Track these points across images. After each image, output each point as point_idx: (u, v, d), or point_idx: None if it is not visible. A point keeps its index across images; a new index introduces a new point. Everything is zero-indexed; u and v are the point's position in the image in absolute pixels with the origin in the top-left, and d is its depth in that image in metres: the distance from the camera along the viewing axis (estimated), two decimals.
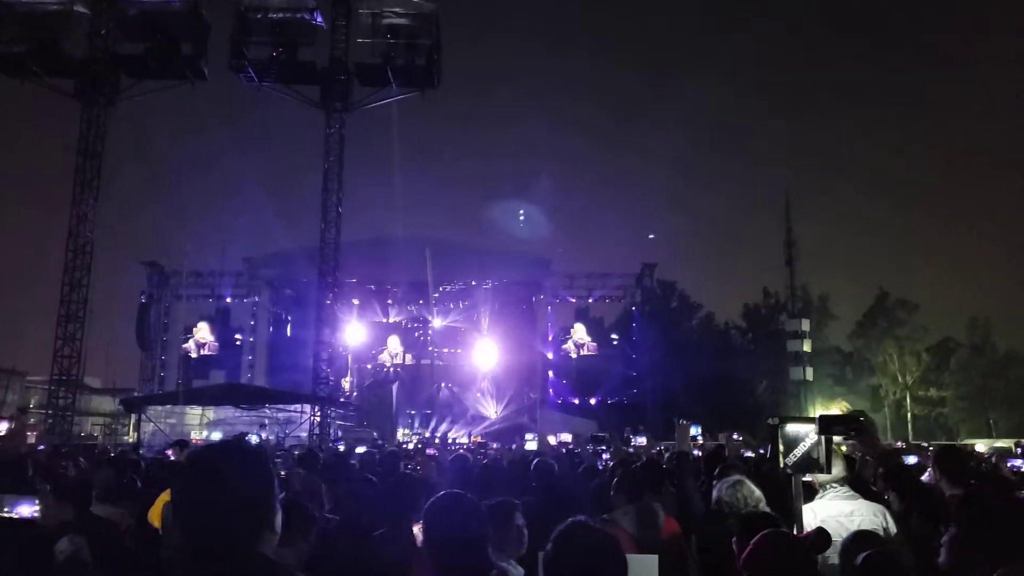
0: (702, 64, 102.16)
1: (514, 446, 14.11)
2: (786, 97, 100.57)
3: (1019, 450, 9.66)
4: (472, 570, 2.43)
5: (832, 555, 3.26)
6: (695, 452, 8.88)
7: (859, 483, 4.65)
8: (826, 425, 3.45)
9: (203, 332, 33.61)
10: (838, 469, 4.01)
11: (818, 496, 4.03)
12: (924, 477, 4.88)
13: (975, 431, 39.60)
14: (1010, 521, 2.55)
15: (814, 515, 3.76)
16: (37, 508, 3.75)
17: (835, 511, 3.80)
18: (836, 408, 37.68)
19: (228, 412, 24.55)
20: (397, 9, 25.07)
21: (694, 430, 6.31)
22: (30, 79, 24.19)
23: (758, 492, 4.15)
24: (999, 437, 30.67)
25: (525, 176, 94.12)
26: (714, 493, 4.38)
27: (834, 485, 4.00)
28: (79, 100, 24.08)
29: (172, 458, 8.96)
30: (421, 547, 2.54)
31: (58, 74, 24.34)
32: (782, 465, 3.74)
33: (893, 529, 3.96)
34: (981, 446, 16.74)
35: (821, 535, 2.48)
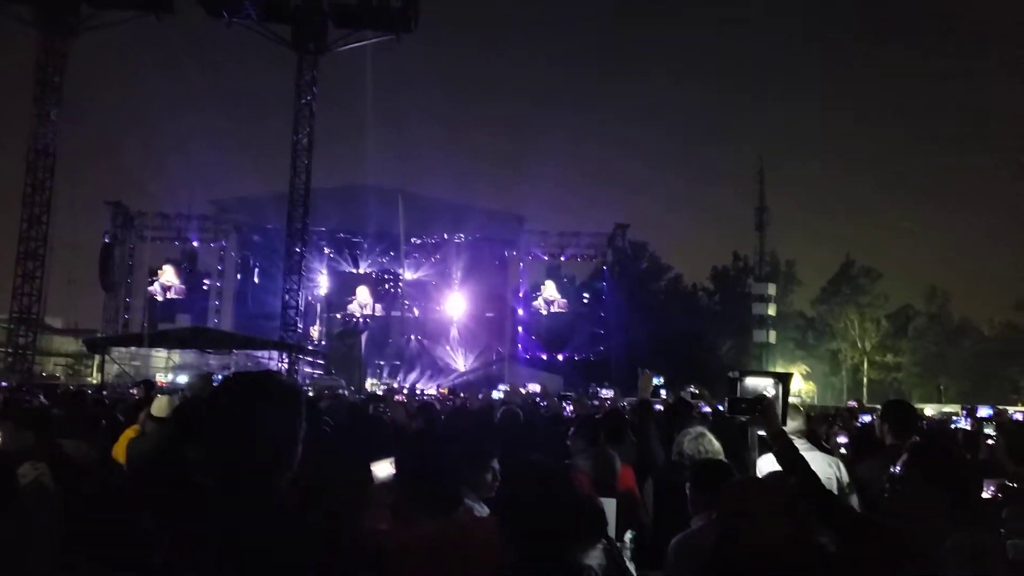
0: (681, 29, 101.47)
1: (480, 395, 14.23)
2: (761, 66, 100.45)
3: (964, 413, 10.06)
4: (442, 501, 2.44)
5: None
6: (658, 405, 9.04)
7: (813, 438, 4.83)
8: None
9: (168, 275, 33.15)
10: (796, 423, 4.17)
11: (773, 448, 4.17)
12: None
13: (925, 396, 40.83)
14: (951, 473, 2.64)
15: (770, 463, 3.85)
16: None
17: None
18: (796, 371, 38.48)
19: (194, 356, 24.37)
20: None
21: (656, 380, 6.38)
22: None
23: (717, 445, 4.21)
24: (947, 403, 31.67)
25: (501, 131, 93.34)
26: (675, 444, 4.43)
27: (791, 437, 4.14)
28: (37, 28, 23.19)
29: (137, 397, 8.89)
30: (393, 480, 2.52)
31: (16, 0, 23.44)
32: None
33: (846, 479, 4.14)
34: (930, 410, 17.29)
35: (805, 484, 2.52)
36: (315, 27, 24.79)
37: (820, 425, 7.67)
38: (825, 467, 4.03)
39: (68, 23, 23.25)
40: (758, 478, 2.64)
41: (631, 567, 4.29)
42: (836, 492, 4.01)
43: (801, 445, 4.10)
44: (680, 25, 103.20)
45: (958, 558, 2.40)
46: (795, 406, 4.37)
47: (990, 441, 5.07)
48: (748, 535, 2.31)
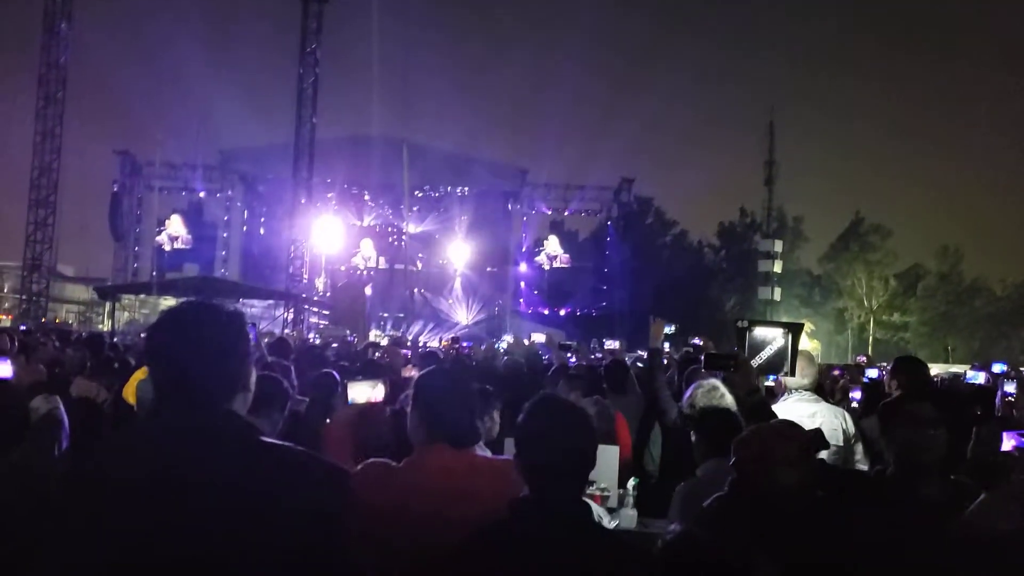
0: None
1: (483, 346, 14.33)
2: (772, 20, 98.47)
3: (977, 367, 10.03)
4: (464, 433, 2.45)
5: None
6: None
7: (820, 391, 4.83)
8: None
9: (176, 225, 33.19)
10: (807, 376, 4.22)
11: (782, 398, 4.22)
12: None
13: (932, 356, 40.75)
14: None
15: (778, 415, 3.94)
16: (10, 368, 3.78)
17: (798, 412, 3.95)
18: None
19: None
20: None
21: (668, 328, 6.37)
22: None
23: (731, 398, 4.20)
24: (955, 363, 31.64)
25: (506, 84, 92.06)
26: (686, 396, 4.46)
27: (800, 389, 4.21)
28: None
29: None
30: (411, 410, 2.50)
31: None
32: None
33: (852, 431, 4.19)
34: (936, 370, 17.28)
35: (820, 435, 2.55)
36: None
37: (824, 379, 7.69)
38: (831, 419, 4.10)
39: None
40: (775, 425, 2.67)
41: (632, 514, 4.39)
42: (842, 443, 4.09)
43: (808, 397, 4.22)
44: None
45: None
46: (810, 358, 4.38)
47: (1009, 398, 5.04)
48: (764, 481, 2.35)
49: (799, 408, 4.07)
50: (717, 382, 4.37)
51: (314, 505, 1.55)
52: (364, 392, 3.43)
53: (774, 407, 3.90)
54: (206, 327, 1.67)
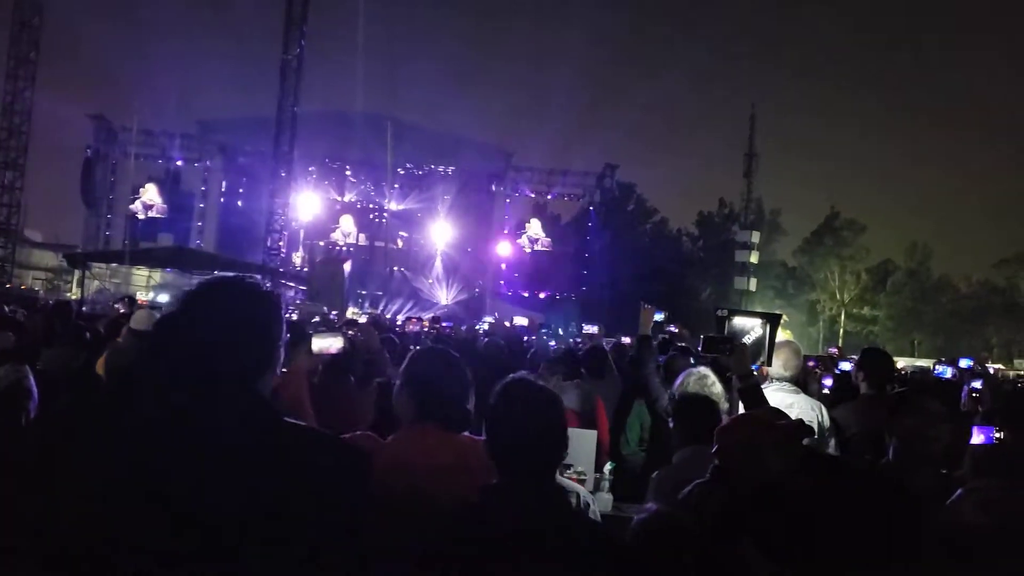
0: None
1: (464, 327, 14.29)
2: (755, 13, 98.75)
3: (943, 362, 10.27)
4: (457, 418, 2.42)
5: None
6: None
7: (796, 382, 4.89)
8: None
9: (151, 193, 32.65)
10: (791, 367, 4.25)
11: (764, 386, 4.19)
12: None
13: (899, 350, 41.58)
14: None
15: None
16: None
17: (776, 401, 3.92)
18: None
19: (175, 276, 24.22)
20: None
21: (658, 315, 6.39)
22: None
23: (720, 387, 4.21)
24: (920, 357, 32.26)
25: (493, 64, 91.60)
26: (677, 383, 4.40)
27: (781, 379, 4.23)
28: None
29: (121, 312, 8.85)
30: (401, 389, 2.46)
31: None
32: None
33: (827, 423, 4.23)
34: (902, 363, 17.70)
35: (803, 423, 2.52)
36: None
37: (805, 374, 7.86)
38: (808, 410, 4.13)
39: None
40: (760, 413, 2.64)
41: (608, 498, 4.39)
42: (817, 434, 4.09)
43: (787, 388, 4.23)
44: None
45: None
46: (796, 350, 4.40)
47: (975, 394, 5.15)
48: (749, 469, 2.32)
49: (777, 397, 4.07)
50: (707, 370, 4.37)
51: (338, 487, 1.51)
52: (326, 343, 3.48)
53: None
54: (240, 306, 1.59)
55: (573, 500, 3.04)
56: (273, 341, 1.62)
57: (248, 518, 1.41)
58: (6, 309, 8.71)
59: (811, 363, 10.73)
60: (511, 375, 2.21)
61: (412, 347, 7.91)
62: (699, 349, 3.70)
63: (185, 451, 1.42)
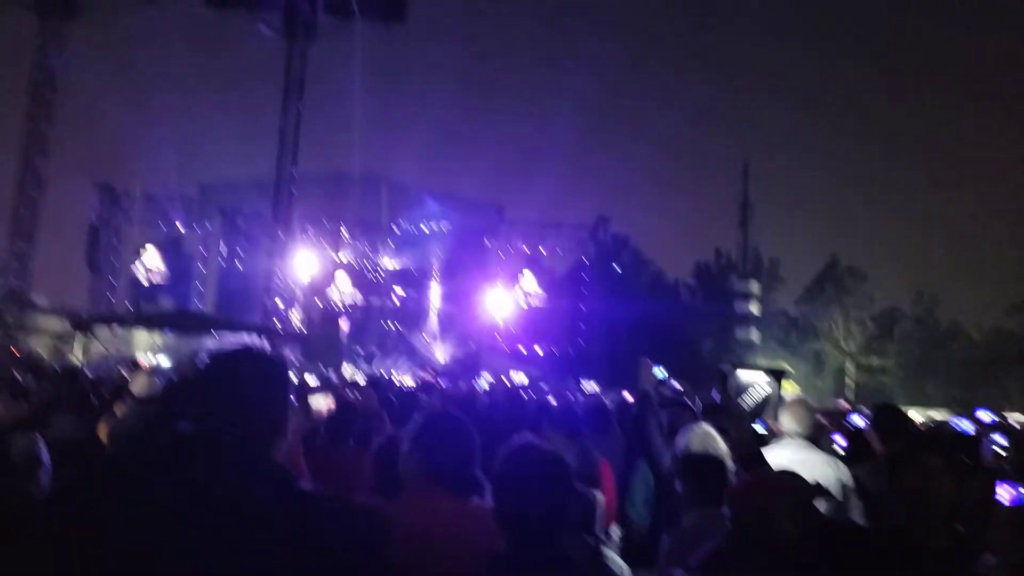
0: (668, 24, 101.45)
1: (462, 383, 14.26)
2: (748, 62, 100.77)
3: (961, 416, 10.01)
4: (466, 483, 2.38)
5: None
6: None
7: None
8: (710, 410, 3.60)
9: (153, 257, 32.81)
10: (801, 424, 4.16)
11: (773, 443, 4.17)
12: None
13: (911, 400, 40.90)
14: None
15: (773, 463, 3.80)
16: None
17: (788, 458, 3.90)
18: None
19: (177, 338, 24.25)
20: None
21: (658, 371, 6.36)
22: None
23: (724, 446, 4.26)
24: (934, 407, 31.83)
25: (484, 121, 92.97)
26: (680, 443, 4.46)
27: (793, 436, 4.15)
28: (37, 13, 23.12)
29: (127, 376, 8.87)
30: (410, 455, 2.42)
31: None
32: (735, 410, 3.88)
33: (849, 481, 4.08)
34: (915, 413, 17.40)
35: (819, 485, 2.49)
36: (305, 14, 24.72)
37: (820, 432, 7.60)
38: (826, 469, 4.00)
39: (65, 8, 23.14)
40: (774, 475, 2.64)
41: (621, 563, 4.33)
42: (838, 495, 3.95)
43: (801, 445, 4.12)
44: (667, 20, 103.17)
45: None
46: (807, 406, 4.30)
47: (998, 449, 4.97)
48: (764, 533, 2.31)
49: (789, 454, 4.00)
50: (710, 428, 4.38)
51: (358, 551, 1.54)
52: (319, 403, 3.52)
53: (768, 453, 3.89)
54: (255, 373, 1.65)
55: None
56: (284, 407, 1.69)
57: None
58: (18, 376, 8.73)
59: (820, 418, 10.51)
60: (516, 438, 2.20)
61: (411, 407, 7.94)
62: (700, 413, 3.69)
63: (205, 522, 1.44)
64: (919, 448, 2.76)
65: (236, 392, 1.62)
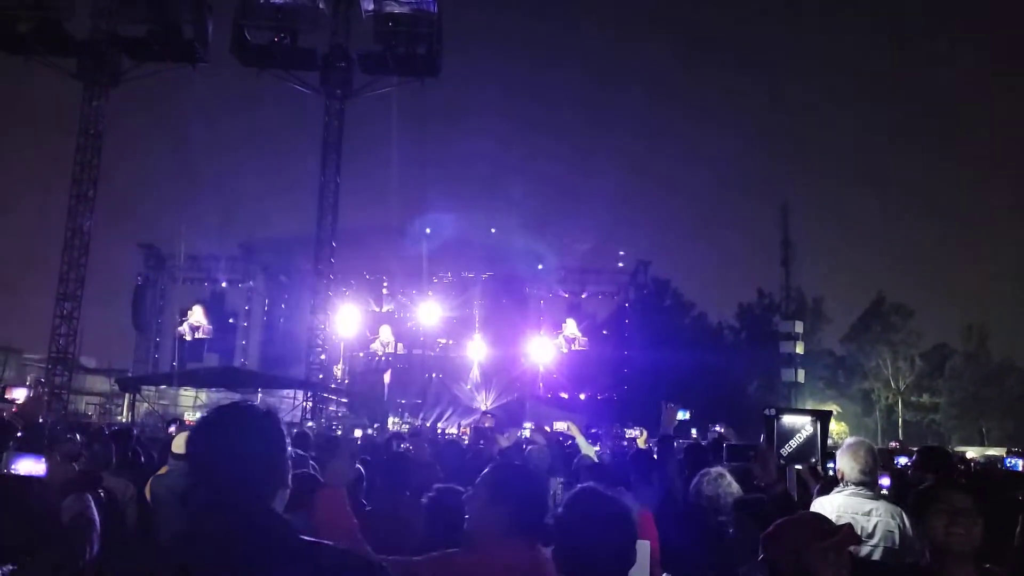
0: (704, 60, 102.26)
1: (505, 433, 14.15)
2: (787, 99, 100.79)
3: (1015, 452, 9.75)
4: (537, 531, 2.36)
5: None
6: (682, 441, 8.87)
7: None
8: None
9: (197, 315, 33.57)
10: (867, 468, 3.95)
11: (835, 490, 4.00)
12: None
13: (966, 439, 39.59)
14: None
15: (831, 509, 3.74)
16: (44, 466, 3.83)
17: (854, 507, 3.78)
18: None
19: (221, 395, 24.60)
20: None
21: (682, 414, 6.26)
22: (32, 58, 24.21)
23: (736, 487, 4.12)
24: (990, 445, 30.72)
25: (521, 168, 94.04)
26: (693, 483, 4.33)
27: (858, 484, 3.95)
28: (81, 81, 24.13)
29: (174, 435, 9.00)
30: (486, 503, 2.42)
31: (60, 54, 24.36)
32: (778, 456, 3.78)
33: (910, 531, 3.82)
34: (972, 453, 16.76)
35: (851, 528, 2.44)
36: (341, 74, 25.47)
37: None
38: (888, 519, 3.83)
39: (109, 75, 24.16)
40: (805, 517, 2.59)
41: None
42: (898, 544, 3.79)
43: (864, 493, 3.89)
44: (703, 62, 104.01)
45: None
46: (869, 448, 4.06)
47: None
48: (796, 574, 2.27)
49: (855, 503, 3.85)
50: (723, 470, 4.24)
51: None
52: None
53: (827, 498, 3.78)
54: (245, 430, 1.71)
55: None
56: (280, 460, 1.74)
57: None
58: (68, 436, 8.91)
59: None
60: (580, 485, 2.19)
61: (456, 457, 7.90)
62: (724, 458, 3.63)
63: (207, 572, 1.53)
64: (944, 487, 2.70)
65: (233, 450, 1.68)
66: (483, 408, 33.42)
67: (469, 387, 34.88)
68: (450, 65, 27.20)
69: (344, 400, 28.80)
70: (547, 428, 14.23)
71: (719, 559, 3.54)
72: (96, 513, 4.17)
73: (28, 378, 26.26)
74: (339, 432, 14.53)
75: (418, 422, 29.17)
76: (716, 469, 4.25)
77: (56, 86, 25.21)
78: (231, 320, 34.86)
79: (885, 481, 6.12)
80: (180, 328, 33.43)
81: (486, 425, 8.66)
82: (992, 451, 19.82)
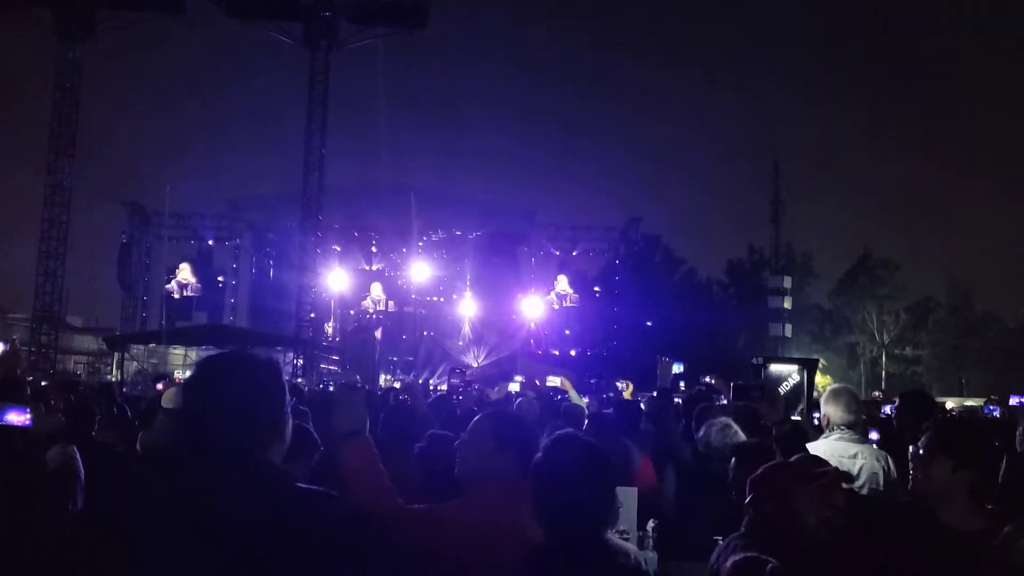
0: (698, 16, 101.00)
1: (496, 388, 14.25)
2: (777, 57, 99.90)
3: (993, 401, 9.93)
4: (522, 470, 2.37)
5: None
6: (677, 399, 8.98)
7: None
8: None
9: (185, 273, 33.35)
10: (851, 411, 4.07)
11: (823, 436, 4.08)
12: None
13: (946, 390, 40.11)
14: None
15: (817, 452, 3.69)
16: (28, 416, 3.78)
17: (839, 451, 3.85)
18: None
19: (211, 353, 24.57)
20: None
21: (677, 367, 6.32)
22: (6, 9, 23.59)
23: (743, 436, 4.16)
24: (969, 396, 31.19)
25: (512, 125, 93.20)
26: (700, 434, 4.38)
27: (842, 427, 4.05)
28: (56, 32, 23.52)
29: (162, 390, 8.98)
30: (497, 452, 2.39)
31: (35, 3, 23.72)
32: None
33: (894, 474, 4.01)
34: (951, 403, 17.04)
35: (840, 471, 2.45)
36: (327, 24, 24.91)
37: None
38: (873, 461, 3.96)
39: (85, 26, 23.50)
40: (794, 461, 2.58)
41: (653, 556, 4.31)
42: (882, 486, 3.91)
43: (850, 437, 4.01)
44: (694, 20, 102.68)
45: None
46: (854, 395, 4.22)
47: None
48: (785, 520, 2.26)
49: (840, 447, 3.94)
50: (729, 420, 4.28)
51: (354, 550, 1.54)
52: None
53: (813, 444, 3.83)
54: (243, 377, 1.65)
55: (627, 559, 2.97)
56: (277, 409, 1.67)
57: None
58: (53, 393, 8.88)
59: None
60: (557, 432, 2.17)
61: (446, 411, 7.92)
62: (730, 397, 3.65)
63: (200, 521, 1.47)
64: (934, 451, 2.70)
65: (224, 398, 1.61)
66: (474, 364, 33.62)
67: (461, 344, 34.98)
68: (438, 16, 26.60)
69: (335, 357, 28.85)
70: (537, 382, 14.34)
71: (726, 509, 3.57)
72: (81, 465, 4.15)
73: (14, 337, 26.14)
74: (331, 388, 14.55)
75: (410, 379, 29.29)
76: (722, 419, 4.28)
77: (33, 37, 24.58)
78: (219, 278, 34.66)
79: (874, 436, 6.23)
80: (168, 286, 33.22)
81: (456, 381, 8.70)
82: (970, 401, 20.09)
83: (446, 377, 29.82)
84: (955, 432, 2.83)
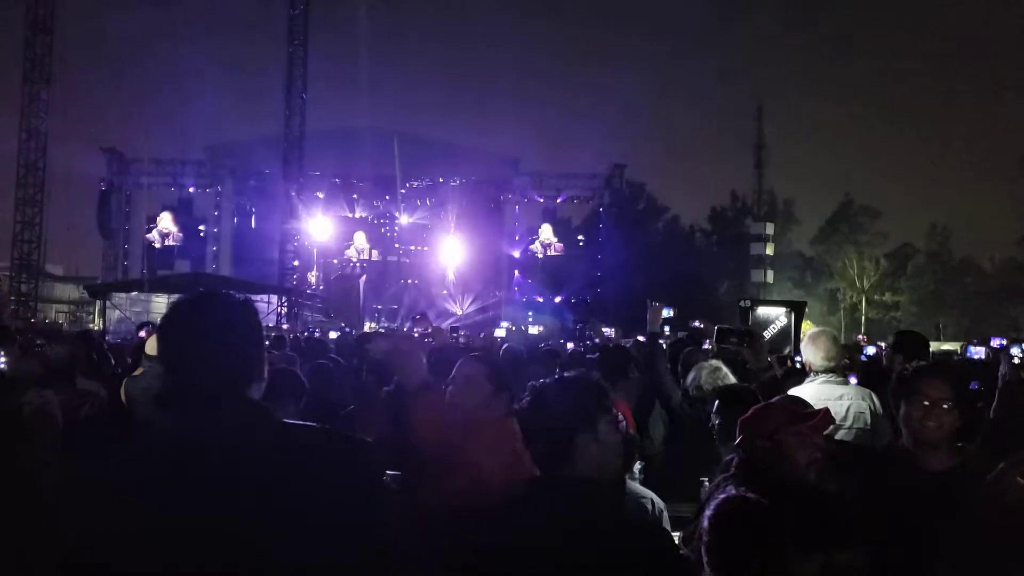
0: None
1: (482, 334, 14.32)
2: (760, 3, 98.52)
3: (974, 343, 10.12)
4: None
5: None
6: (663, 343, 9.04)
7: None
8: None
9: (166, 222, 32.93)
10: (829, 355, 4.10)
11: (808, 380, 4.12)
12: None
13: (924, 334, 40.68)
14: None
15: (803, 396, 3.83)
16: (3, 360, 3.73)
17: (825, 394, 3.89)
18: None
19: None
20: None
21: (666, 312, 6.33)
22: None
23: (733, 379, 4.20)
24: (946, 340, 31.72)
25: (496, 70, 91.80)
26: (690, 377, 4.42)
27: (826, 371, 4.09)
28: None
29: (145, 338, 8.89)
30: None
31: None
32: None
33: (880, 411, 4.06)
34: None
35: (827, 412, 2.47)
36: None
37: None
38: (859, 401, 4.01)
39: None
40: (781, 402, 2.59)
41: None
42: (869, 425, 3.96)
43: (835, 379, 4.08)
44: None
45: None
46: (834, 338, 4.26)
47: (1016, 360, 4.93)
48: (773, 461, 2.29)
49: (826, 390, 3.98)
50: (719, 362, 4.32)
51: (347, 479, 1.53)
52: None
53: (799, 388, 3.86)
54: (217, 317, 1.63)
55: (648, 506, 2.99)
56: (253, 347, 1.66)
57: (258, 519, 1.44)
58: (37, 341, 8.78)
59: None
60: (542, 379, 2.16)
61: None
62: (714, 342, 3.65)
63: (189, 463, 1.46)
64: (925, 376, 2.73)
65: (196, 339, 1.59)
66: (459, 312, 33.70)
67: (445, 292, 34.99)
68: None
69: (319, 305, 28.78)
70: (523, 328, 14.46)
71: (715, 452, 3.60)
72: (58, 410, 4.10)
73: None
74: (317, 334, 14.53)
75: (395, 326, 29.31)
76: (712, 362, 4.31)
77: None
78: (201, 227, 34.25)
79: (852, 381, 6.30)
80: (149, 235, 32.83)
81: (421, 330, 8.74)
82: (947, 345, 20.42)
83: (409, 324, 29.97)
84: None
